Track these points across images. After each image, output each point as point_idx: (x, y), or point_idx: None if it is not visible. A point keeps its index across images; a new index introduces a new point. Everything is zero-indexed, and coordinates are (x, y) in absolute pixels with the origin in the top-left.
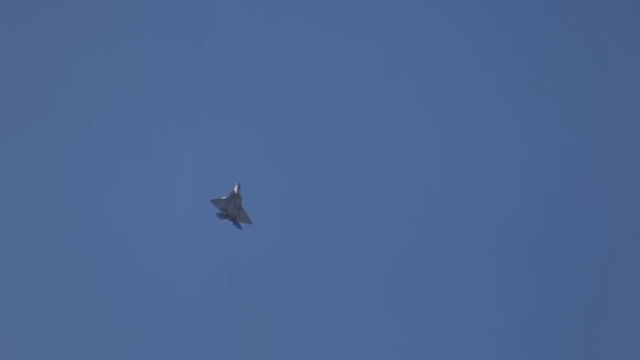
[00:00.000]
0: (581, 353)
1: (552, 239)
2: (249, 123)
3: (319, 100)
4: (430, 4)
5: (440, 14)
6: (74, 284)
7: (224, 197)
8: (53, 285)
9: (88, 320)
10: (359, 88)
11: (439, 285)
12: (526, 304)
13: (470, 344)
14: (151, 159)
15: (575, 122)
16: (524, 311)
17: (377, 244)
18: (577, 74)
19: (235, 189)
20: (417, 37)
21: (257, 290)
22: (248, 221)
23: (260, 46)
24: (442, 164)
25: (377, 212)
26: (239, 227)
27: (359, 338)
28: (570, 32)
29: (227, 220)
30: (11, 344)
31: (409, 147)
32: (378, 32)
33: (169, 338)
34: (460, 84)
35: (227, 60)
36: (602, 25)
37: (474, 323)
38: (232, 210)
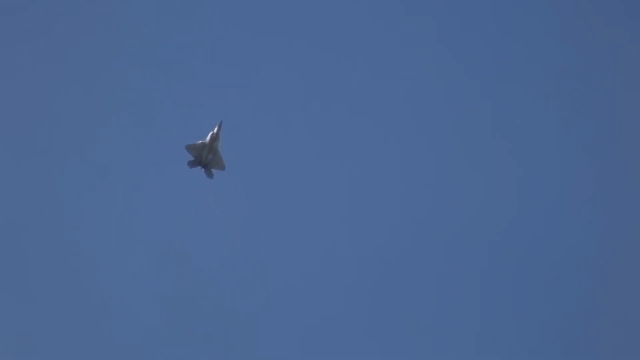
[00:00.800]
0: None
1: (553, 243)
2: (248, 124)
3: (319, 100)
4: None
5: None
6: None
7: (200, 142)
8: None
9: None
10: (357, 89)
11: (438, 289)
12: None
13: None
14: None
15: (575, 126)
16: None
17: (372, 245)
18: (576, 78)
19: (215, 129)
20: (418, 40)
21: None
22: (222, 167)
23: (258, 46)
24: (442, 165)
25: (373, 214)
26: (211, 175)
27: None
28: (569, 37)
29: (198, 168)
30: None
31: (407, 147)
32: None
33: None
34: (460, 88)
35: (223, 61)
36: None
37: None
38: (206, 155)
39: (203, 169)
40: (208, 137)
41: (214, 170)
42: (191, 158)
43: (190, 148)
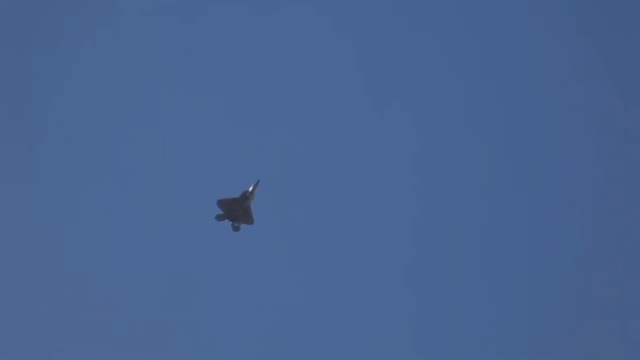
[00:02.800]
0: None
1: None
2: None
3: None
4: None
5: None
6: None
7: (232, 198)
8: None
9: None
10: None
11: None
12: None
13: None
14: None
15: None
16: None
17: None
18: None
19: (251, 188)
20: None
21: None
22: (250, 222)
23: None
24: (442, 164)
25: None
26: (237, 229)
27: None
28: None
29: (225, 221)
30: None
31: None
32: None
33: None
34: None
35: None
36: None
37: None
38: (236, 211)
39: (230, 222)
40: (240, 195)
41: (241, 225)
42: (220, 212)
43: (222, 203)
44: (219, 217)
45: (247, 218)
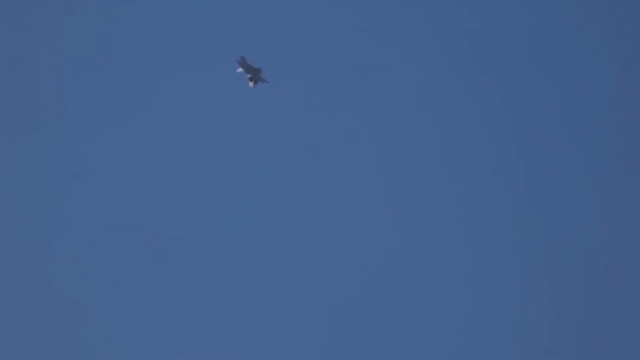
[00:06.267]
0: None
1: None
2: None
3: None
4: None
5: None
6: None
7: (249, 65)
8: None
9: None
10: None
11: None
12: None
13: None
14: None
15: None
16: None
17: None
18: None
19: (251, 84)
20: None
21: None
22: (265, 81)
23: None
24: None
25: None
26: (251, 82)
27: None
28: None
29: (242, 71)
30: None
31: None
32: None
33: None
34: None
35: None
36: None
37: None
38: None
39: (248, 76)
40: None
41: (258, 82)
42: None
43: (241, 63)
44: (240, 62)
45: (262, 79)
